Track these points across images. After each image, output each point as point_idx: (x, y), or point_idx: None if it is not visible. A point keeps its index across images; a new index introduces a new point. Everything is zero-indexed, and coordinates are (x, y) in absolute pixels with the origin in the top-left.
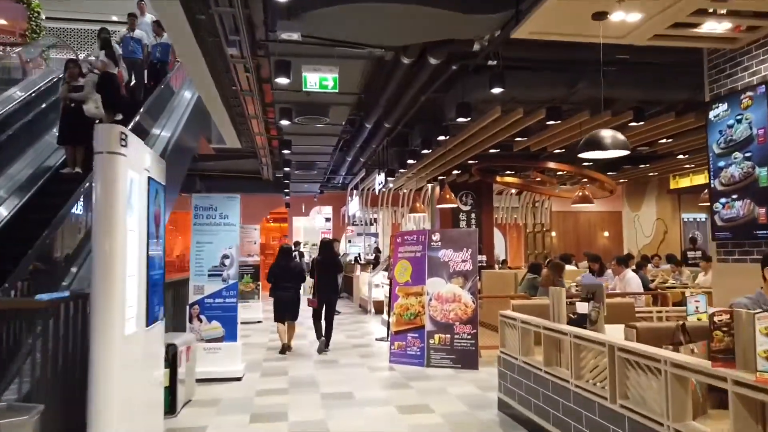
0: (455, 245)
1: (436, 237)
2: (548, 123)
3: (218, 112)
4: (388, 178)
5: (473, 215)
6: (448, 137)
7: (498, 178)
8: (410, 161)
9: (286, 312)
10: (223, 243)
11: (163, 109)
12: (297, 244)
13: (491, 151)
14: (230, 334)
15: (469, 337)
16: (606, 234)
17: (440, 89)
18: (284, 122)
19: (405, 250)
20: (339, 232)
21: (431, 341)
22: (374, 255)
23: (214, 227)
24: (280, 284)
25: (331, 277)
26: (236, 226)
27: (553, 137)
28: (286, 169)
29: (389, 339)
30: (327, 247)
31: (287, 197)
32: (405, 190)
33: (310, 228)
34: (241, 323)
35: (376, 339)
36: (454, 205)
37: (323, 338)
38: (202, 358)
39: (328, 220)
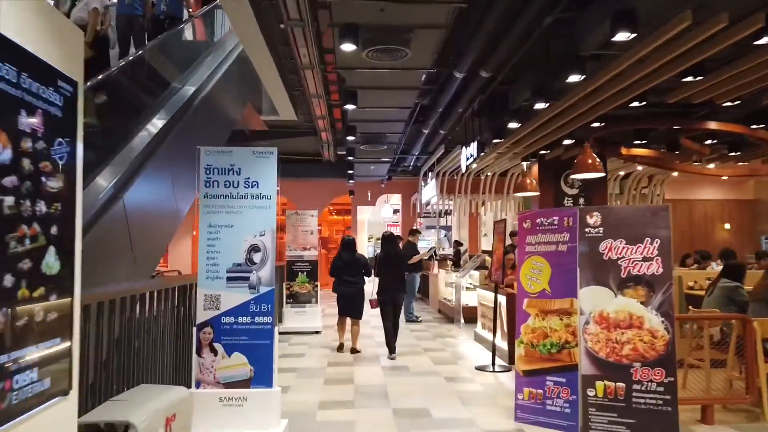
0: (630, 232)
1: (595, 219)
2: (758, 43)
3: (262, 62)
4: (480, 153)
5: (581, 201)
6: (583, 77)
7: (623, 150)
8: (512, 125)
9: (348, 308)
10: (251, 227)
11: (186, 56)
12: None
13: (632, 105)
14: (262, 376)
15: (661, 389)
16: (727, 226)
17: (572, 6)
18: (347, 47)
19: (537, 241)
20: (408, 225)
21: (590, 392)
22: (454, 249)
23: (235, 201)
24: (343, 278)
25: (395, 274)
26: (272, 200)
27: (747, 73)
28: (351, 138)
29: (515, 382)
30: (389, 241)
31: (351, 182)
32: (489, 173)
33: (374, 222)
34: (296, 333)
35: (477, 368)
36: (601, 174)
37: (393, 354)
38: (215, 414)
39: (396, 211)
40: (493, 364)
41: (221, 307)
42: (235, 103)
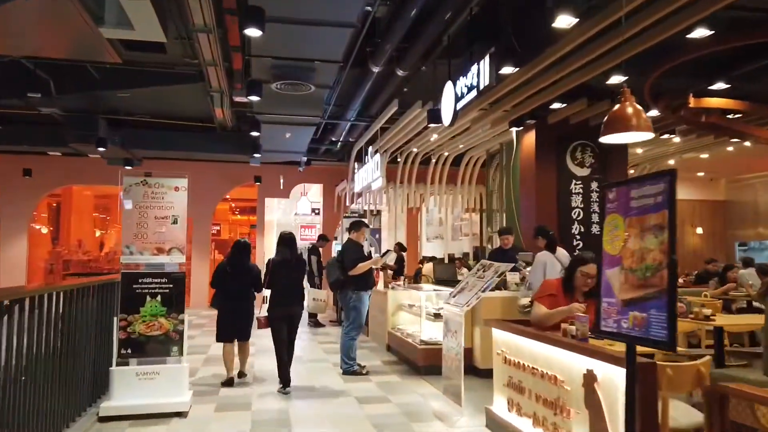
0: None
1: None
2: None
3: None
4: (494, 81)
5: (593, 185)
6: None
7: (692, 101)
8: (561, 22)
9: (232, 329)
10: None
11: None
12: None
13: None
14: None
15: None
16: (699, 231)
17: None
18: None
19: None
20: (331, 225)
21: None
22: (397, 256)
23: None
24: (229, 291)
25: (292, 284)
26: None
27: None
28: (254, 34)
29: None
30: (288, 243)
31: (257, 156)
32: (446, 153)
33: (285, 223)
34: (135, 419)
35: None
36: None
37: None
38: None
39: (315, 211)
40: None
41: None
42: None
